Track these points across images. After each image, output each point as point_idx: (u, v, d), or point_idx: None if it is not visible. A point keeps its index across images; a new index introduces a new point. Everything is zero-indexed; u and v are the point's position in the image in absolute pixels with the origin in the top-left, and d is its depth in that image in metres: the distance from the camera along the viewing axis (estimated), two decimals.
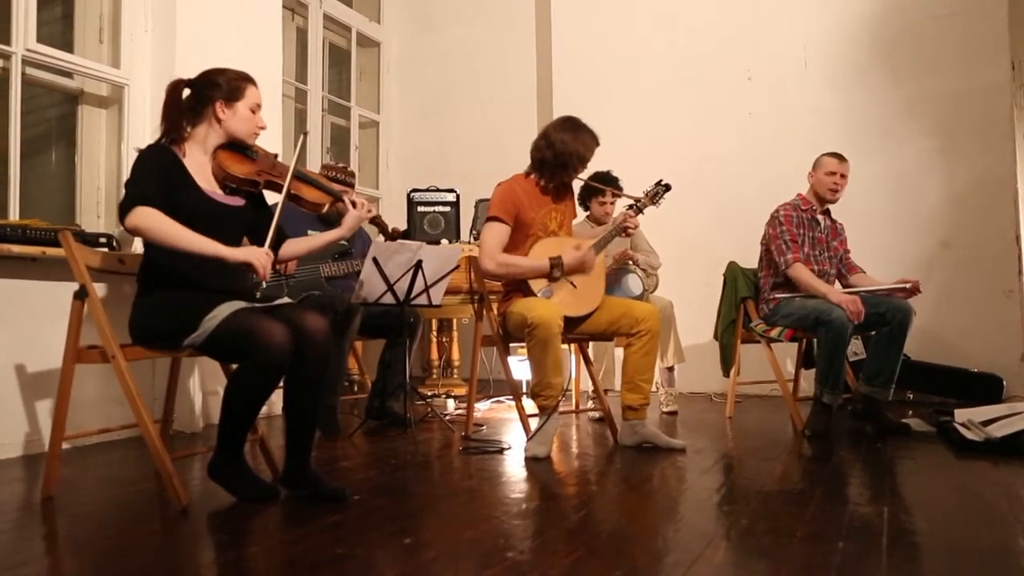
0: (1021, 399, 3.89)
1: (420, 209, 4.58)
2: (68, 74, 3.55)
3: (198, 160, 2.23)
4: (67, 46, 3.54)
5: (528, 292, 2.93)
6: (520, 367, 4.07)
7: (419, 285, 3.12)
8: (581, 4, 5.34)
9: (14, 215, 3.13)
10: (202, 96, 2.23)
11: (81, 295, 2.19)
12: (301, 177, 2.37)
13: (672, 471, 2.56)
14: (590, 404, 3.89)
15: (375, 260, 2.97)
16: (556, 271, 2.90)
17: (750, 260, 3.77)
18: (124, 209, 2.04)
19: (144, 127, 3.58)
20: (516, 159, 3.24)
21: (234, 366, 2.15)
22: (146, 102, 3.62)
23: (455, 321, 4.76)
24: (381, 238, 2.69)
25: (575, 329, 3.03)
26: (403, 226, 4.60)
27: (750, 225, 3.92)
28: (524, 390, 3.87)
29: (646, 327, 2.92)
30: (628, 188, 3.47)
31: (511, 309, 2.92)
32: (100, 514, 2.11)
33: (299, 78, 5.18)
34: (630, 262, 3.85)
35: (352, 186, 3.70)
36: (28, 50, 3.21)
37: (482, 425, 3.59)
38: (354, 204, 2.40)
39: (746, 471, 2.58)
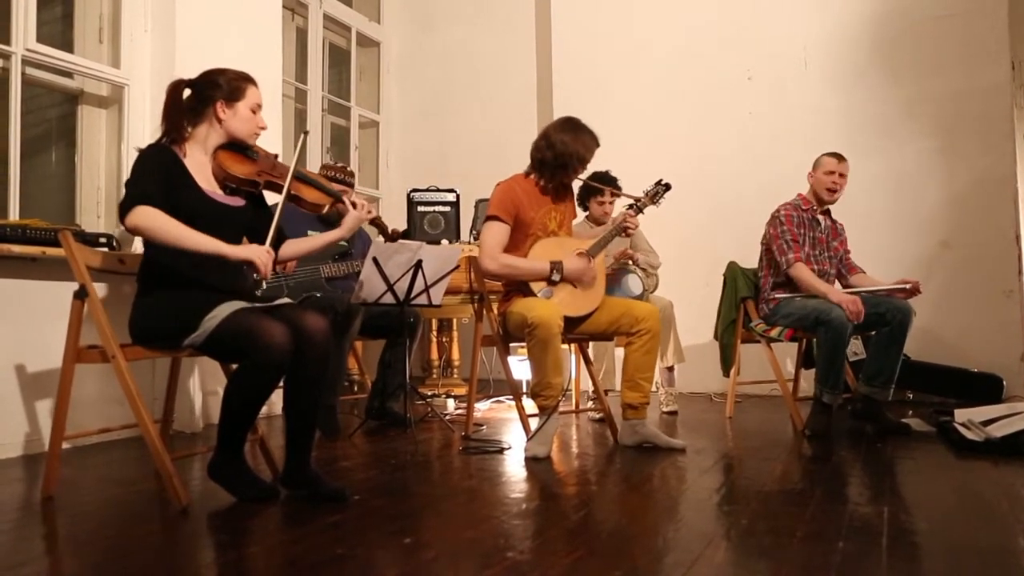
0: (1021, 399, 3.89)
1: (420, 209, 4.58)
2: (68, 74, 3.55)
3: (199, 160, 2.23)
4: (67, 46, 3.54)
5: (528, 292, 2.92)
6: (520, 367, 4.08)
7: (419, 285, 3.12)
8: (581, 4, 5.34)
9: (14, 215, 3.13)
10: (203, 96, 2.23)
11: (81, 295, 2.19)
12: (301, 178, 2.37)
13: (672, 471, 2.56)
14: (590, 404, 3.89)
15: (375, 260, 2.97)
16: (556, 274, 2.90)
17: (750, 260, 3.77)
18: (124, 209, 2.04)
19: (144, 127, 3.58)
20: (516, 159, 3.24)
21: (234, 366, 2.15)
22: (146, 102, 3.62)
23: (455, 321, 4.76)
24: (381, 239, 2.69)
25: (575, 329, 3.03)
26: (403, 227, 4.61)
27: (750, 225, 3.92)
28: (524, 390, 3.87)
29: (646, 326, 2.92)
30: (628, 188, 3.47)
31: (511, 309, 2.92)
32: (100, 514, 2.11)
33: (299, 78, 5.18)
34: (630, 262, 3.85)
35: (352, 186, 3.70)
36: (28, 50, 3.21)
37: (482, 425, 3.59)
38: (354, 205, 2.40)
39: (746, 471, 2.58)
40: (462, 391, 4.45)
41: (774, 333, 3.47)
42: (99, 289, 2.26)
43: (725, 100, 4.90)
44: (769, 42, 4.82)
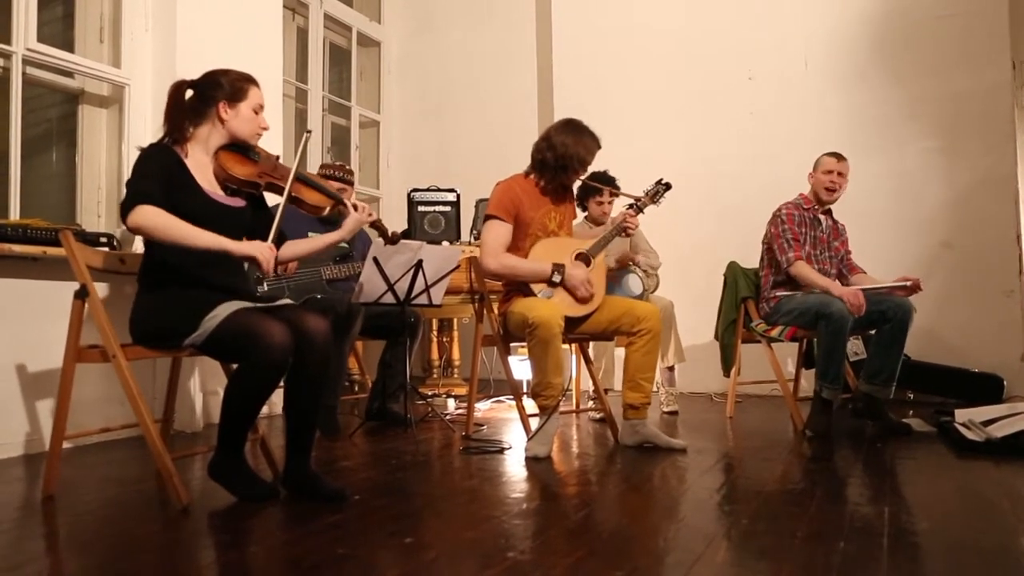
0: (1022, 399, 3.89)
1: (420, 209, 4.58)
2: (69, 74, 3.55)
3: (200, 161, 2.23)
4: (67, 46, 3.54)
5: (528, 292, 2.92)
6: (521, 367, 4.07)
7: (419, 285, 3.12)
8: (581, 4, 5.34)
9: (15, 215, 3.13)
10: (205, 96, 2.23)
11: (82, 295, 2.19)
12: (302, 180, 2.37)
13: (673, 471, 2.56)
14: (590, 404, 3.89)
15: (375, 260, 2.97)
16: (556, 276, 2.90)
17: (750, 260, 3.77)
18: (126, 209, 2.03)
19: (145, 127, 3.58)
20: (517, 159, 3.24)
21: (234, 366, 2.15)
22: (147, 102, 3.62)
23: (455, 321, 4.76)
24: (381, 242, 2.69)
25: (576, 329, 3.03)
26: (403, 227, 4.61)
27: (751, 225, 3.92)
28: (524, 390, 3.87)
29: (647, 326, 2.91)
30: (629, 187, 3.47)
31: (512, 309, 2.92)
32: (101, 513, 2.11)
33: (299, 78, 5.19)
34: (631, 263, 3.84)
35: (352, 184, 3.70)
36: (29, 50, 3.21)
37: (482, 425, 3.59)
38: (355, 207, 2.41)
39: (747, 471, 2.58)
40: (462, 391, 4.45)
41: (775, 333, 3.47)
42: (100, 289, 2.27)
43: (726, 100, 4.90)
44: (770, 42, 4.82)
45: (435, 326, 4.79)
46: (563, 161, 2.95)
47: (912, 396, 4.24)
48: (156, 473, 2.34)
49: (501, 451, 2.92)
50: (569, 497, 2.27)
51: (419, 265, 3.06)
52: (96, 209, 3.65)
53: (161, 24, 3.60)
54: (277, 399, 3.42)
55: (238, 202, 2.29)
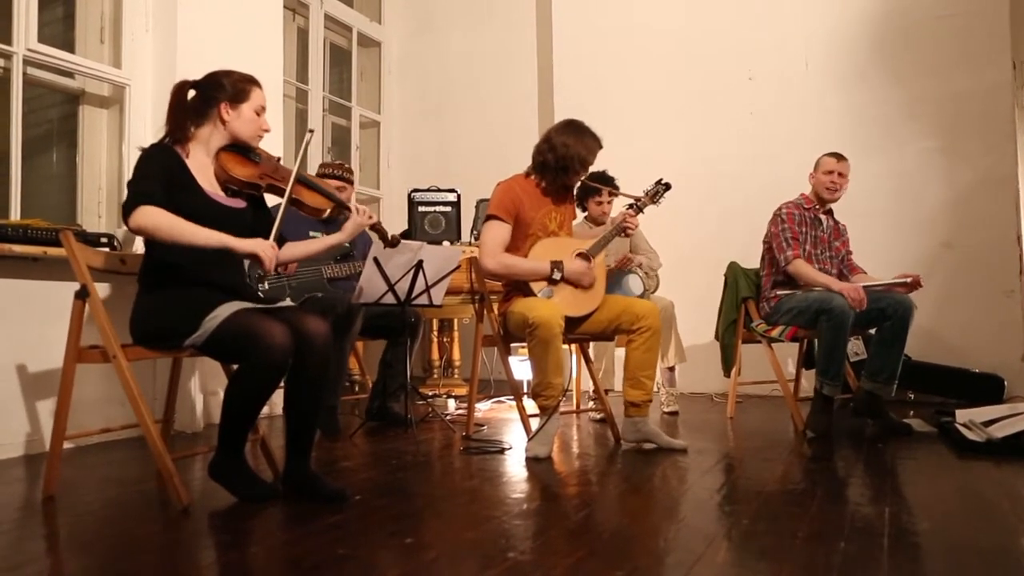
0: (1022, 399, 3.89)
1: (421, 209, 4.58)
2: (69, 74, 3.55)
3: (201, 161, 2.23)
4: (68, 46, 3.54)
5: (529, 292, 2.92)
6: (521, 367, 4.07)
7: (420, 285, 3.12)
8: (582, 4, 5.34)
9: (15, 215, 3.14)
10: (207, 97, 2.23)
11: (82, 295, 2.19)
12: (303, 181, 2.37)
13: (673, 471, 2.56)
14: (591, 404, 3.89)
15: (376, 260, 2.97)
16: (556, 273, 2.90)
17: (751, 260, 3.77)
18: (128, 209, 2.03)
19: (145, 127, 3.58)
20: (517, 159, 3.24)
21: (235, 366, 2.15)
22: (147, 102, 3.62)
23: (456, 321, 4.76)
24: (381, 245, 2.69)
25: (576, 329, 3.03)
26: (403, 227, 4.62)
27: (751, 225, 3.92)
28: (525, 390, 3.87)
29: (647, 323, 2.91)
30: (629, 188, 3.47)
31: (512, 309, 2.92)
32: (101, 514, 2.11)
33: (300, 78, 5.19)
34: (631, 263, 3.84)
35: (351, 183, 3.70)
36: (29, 50, 3.22)
37: (483, 425, 3.59)
38: (356, 210, 2.41)
39: (747, 471, 2.58)
40: (463, 391, 4.45)
41: (775, 333, 3.47)
42: (100, 289, 2.26)
43: (726, 100, 4.90)
44: (770, 42, 4.82)
45: (435, 326, 4.79)
46: (564, 162, 2.95)
47: (913, 396, 4.24)
48: (156, 473, 2.33)
49: (501, 451, 2.92)
50: (569, 497, 2.27)
51: (419, 265, 3.06)
52: (97, 209, 3.65)
53: (161, 24, 3.61)
54: (277, 399, 3.42)
55: (239, 203, 2.29)
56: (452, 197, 4.61)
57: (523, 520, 1.97)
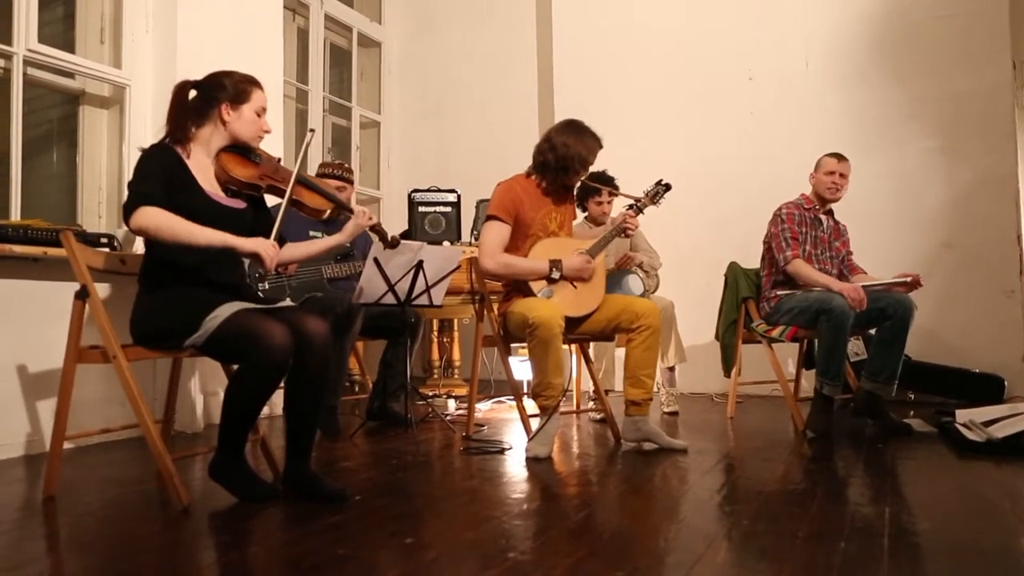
0: (1022, 399, 3.89)
1: (421, 209, 4.58)
2: (69, 74, 3.55)
3: (201, 162, 2.23)
4: (68, 46, 3.54)
5: (528, 292, 2.93)
6: (521, 367, 4.07)
7: (420, 285, 3.12)
8: (582, 4, 5.34)
9: (16, 215, 3.14)
10: (208, 97, 2.23)
11: (82, 295, 2.19)
12: (303, 182, 2.37)
13: (673, 471, 2.56)
14: (591, 404, 3.89)
15: (376, 260, 2.97)
16: (555, 272, 2.90)
17: (751, 260, 3.77)
18: (128, 210, 2.03)
19: (145, 127, 3.59)
20: (517, 159, 3.24)
21: (235, 367, 2.15)
22: (147, 102, 3.62)
23: (456, 321, 4.76)
24: (380, 246, 2.69)
25: (576, 329, 3.03)
26: (404, 228, 4.62)
27: (751, 225, 3.92)
28: (525, 390, 3.87)
29: (646, 322, 2.91)
30: (629, 188, 3.47)
31: (512, 309, 2.92)
32: (101, 514, 2.11)
33: (300, 78, 5.19)
34: (631, 263, 3.85)
35: (351, 182, 3.71)
36: (29, 50, 3.22)
37: (483, 425, 3.59)
38: (356, 211, 2.42)
39: (747, 471, 2.58)
40: (463, 391, 4.45)
41: (775, 333, 3.47)
42: (100, 289, 2.26)
43: (726, 100, 4.90)
44: (770, 42, 4.82)
45: (436, 326, 4.79)
46: (564, 162, 2.95)
47: (913, 396, 4.24)
48: (157, 474, 2.33)
49: (501, 451, 2.92)
50: (570, 498, 2.27)
51: (420, 266, 3.06)
52: (97, 210, 3.65)
53: (162, 25, 3.61)
54: (277, 400, 3.42)
55: (239, 204, 2.29)
56: (452, 197, 4.61)
57: (523, 520, 1.97)
